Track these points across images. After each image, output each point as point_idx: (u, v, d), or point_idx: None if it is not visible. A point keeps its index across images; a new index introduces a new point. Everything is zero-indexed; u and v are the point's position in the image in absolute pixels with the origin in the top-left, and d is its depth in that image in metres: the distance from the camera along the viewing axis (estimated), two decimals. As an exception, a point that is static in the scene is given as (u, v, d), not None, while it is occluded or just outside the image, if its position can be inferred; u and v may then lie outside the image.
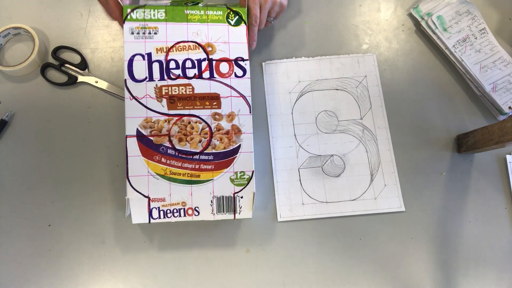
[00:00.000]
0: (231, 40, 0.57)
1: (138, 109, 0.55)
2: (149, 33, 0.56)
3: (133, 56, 0.56)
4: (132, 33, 0.56)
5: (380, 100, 0.65)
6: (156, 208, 0.53)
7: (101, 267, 0.56)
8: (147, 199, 0.53)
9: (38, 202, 0.59)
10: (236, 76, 0.56)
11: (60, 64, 0.64)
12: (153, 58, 0.56)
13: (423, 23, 0.68)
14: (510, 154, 0.63)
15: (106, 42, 0.66)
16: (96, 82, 0.64)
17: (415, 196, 0.61)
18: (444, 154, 0.63)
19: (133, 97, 0.55)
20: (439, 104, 0.65)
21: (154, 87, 0.55)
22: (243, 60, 0.57)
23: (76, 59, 0.65)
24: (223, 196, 0.54)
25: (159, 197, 0.53)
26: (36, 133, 0.61)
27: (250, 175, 0.54)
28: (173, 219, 0.54)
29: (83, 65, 0.64)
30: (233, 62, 0.57)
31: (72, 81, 0.63)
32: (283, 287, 0.56)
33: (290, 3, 0.70)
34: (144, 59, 0.56)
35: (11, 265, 0.56)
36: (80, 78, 0.64)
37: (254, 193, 0.54)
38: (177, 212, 0.54)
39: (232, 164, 0.54)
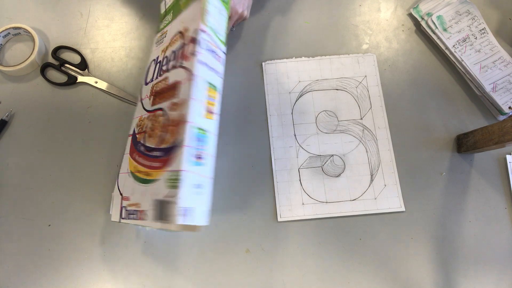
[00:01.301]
0: (197, 15, 0.49)
1: (139, 109, 0.56)
2: (162, 38, 0.57)
3: (150, 63, 0.58)
4: (156, 42, 0.59)
5: (380, 100, 0.65)
6: (124, 207, 0.49)
7: (101, 267, 0.56)
8: (121, 196, 0.51)
9: (38, 202, 0.59)
10: (192, 54, 0.47)
11: (60, 64, 0.64)
12: (158, 60, 0.56)
13: (423, 23, 0.68)
14: (510, 154, 0.63)
15: (106, 42, 0.66)
16: (96, 82, 0.64)
17: (415, 196, 0.61)
18: (444, 154, 0.63)
19: (140, 99, 0.56)
20: (439, 104, 0.65)
21: (151, 87, 0.55)
22: (196, 31, 0.47)
23: (76, 59, 0.65)
24: (158, 200, 0.44)
25: (127, 196, 0.50)
26: (36, 133, 0.61)
27: (180, 176, 0.42)
28: (132, 222, 0.47)
29: (83, 65, 0.64)
30: (192, 38, 0.48)
31: (72, 81, 0.63)
32: (283, 287, 0.56)
33: (291, 3, 0.70)
34: (154, 63, 0.57)
35: (11, 265, 0.56)
36: (80, 78, 0.64)
37: (178, 199, 0.41)
38: (134, 213, 0.47)
39: (171, 161, 0.44)
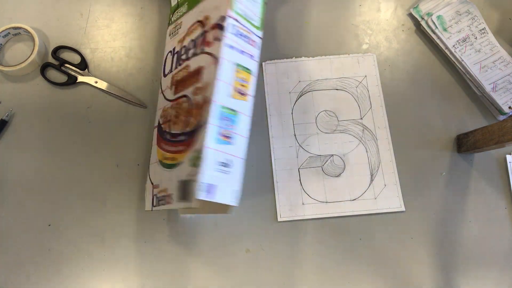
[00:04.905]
0: (220, 3, 0.50)
1: (162, 101, 0.57)
2: (177, 30, 0.59)
3: (167, 54, 0.59)
4: (170, 34, 0.60)
5: (380, 100, 0.65)
6: (155, 195, 0.53)
7: (101, 267, 0.56)
8: (152, 186, 0.54)
9: (38, 202, 0.59)
10: (216, 39, 0.48)
11: (60, 64, 0.64)
12: (175, 51, 0.57)
13: (423, 23, 0.68)
14: (510, 154, 0.63)
15: (106, 42, 0.66)
16: (96, 82, 0.64)
17: (415, 196, 0.61)
18: (444, 154, 0.63)
19: (161, 91, 0.57)
20: (439, 104, 0.65)
21: (171, 78, 0.56)
22: (223, 18, 0.48)
23: (76, 59, 0.65)
24: (182, 181, 0.46)
25: (156, 184, 0.53)
26: (36, 133, 0.61)
27: (201, 153, 0.44)
28: (161, 207, 0.50)
29: (83, 65, 0.64)
30: (217, 25, 0.49)
31: (72, 81, 0.63)
32: (283, 287, 0.56)
33: (291, 3, 0.70)
34: (171, 54, 0.58)
35: (11, 265, 0.56)
36: (80, 78, 0.64)
37: (198, 176, 0.43)
38: (163, 199, 0.50)
39: (195, 142, 0.46)
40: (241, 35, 0.49)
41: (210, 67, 0.48)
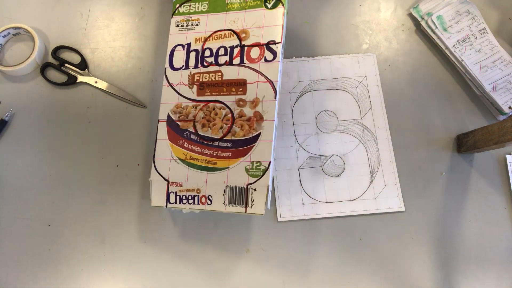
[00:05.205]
0: (265, 24, 0.55)
1: (172, 95, 0.56)
2: (191, 24, 0.58)
3: (175, 46, 0.58)
4: (177, 26, 0.59)
5: (380, 100, 0.65)
6: (173, 192, 0.53)
7: (101, 267, 0.56)
8: (166, 182, 0.53)
9: (38, 202, 0.59)
10: (265, 60, 0.53)
11: (60, 64, 0.64)
12: (191, 48, 0.57)
13: (423, 23, 0.68)
14: (510, 154, 0.63)
15: (106, 42, 0.66)
16: (96, 82, 0.64)
17: (415, 196, 0.61)
18: (444, 154, 0.63)
19: (169, 84, 0.57)
20: (439, 104, 0.65)
21: (188, 75, 0.56)
22: (275, 43, 0.54)
23: (76, 59, 0.65)
24: (236, 187, 0.51)
25: (177, 182, 0.53)
26: (36, 133, 0.62)
27: (267, 166, 0.50)
28: (187, 206, 0.52)
29: (83, 65, 0.64)
30: (264, 46, 0.54)
31: (71, 81, 0.63)
32: (283, 287, 0.56)
33: (291, 3, 0.70)
34: (183, 49, 0.57)
35: (11, 265, 0.56)
36: (80, 78, 0.64)
37: (268, 187, 0.49)
38: (191, 199, 0.52)
39: (250, 153, 0.51)
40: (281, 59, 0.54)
41: (260, 85, 0.53)
